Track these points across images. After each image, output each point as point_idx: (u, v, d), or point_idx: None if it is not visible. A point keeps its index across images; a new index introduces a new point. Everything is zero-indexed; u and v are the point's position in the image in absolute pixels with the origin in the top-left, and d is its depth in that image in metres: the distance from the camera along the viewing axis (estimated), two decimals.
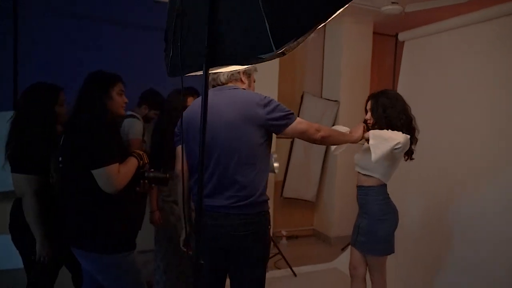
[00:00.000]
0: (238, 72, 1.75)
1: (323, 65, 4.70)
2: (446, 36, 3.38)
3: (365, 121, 2.21)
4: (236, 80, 1.77)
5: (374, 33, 4.52)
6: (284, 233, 4.47)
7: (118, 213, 1.73)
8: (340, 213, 4.40)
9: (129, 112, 3.05)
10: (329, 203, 4.56)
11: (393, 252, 2.17)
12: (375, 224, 2.12)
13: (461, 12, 3.21)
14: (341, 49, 4.39)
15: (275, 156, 3.45)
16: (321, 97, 4.61)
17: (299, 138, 1.74)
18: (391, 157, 2.04)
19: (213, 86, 1.78)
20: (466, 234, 2.83)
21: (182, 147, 1.66)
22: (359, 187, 2.21)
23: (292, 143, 4.39)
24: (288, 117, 1.65)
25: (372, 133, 1.97)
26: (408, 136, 1.94)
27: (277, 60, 4.10)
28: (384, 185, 2.15)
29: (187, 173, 1.75)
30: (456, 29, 3.28)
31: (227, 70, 1.68)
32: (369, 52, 4.48)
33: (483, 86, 2.98)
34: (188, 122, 1.72)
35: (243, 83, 1.80)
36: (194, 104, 1.78)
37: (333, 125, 4.36)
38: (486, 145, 2.85)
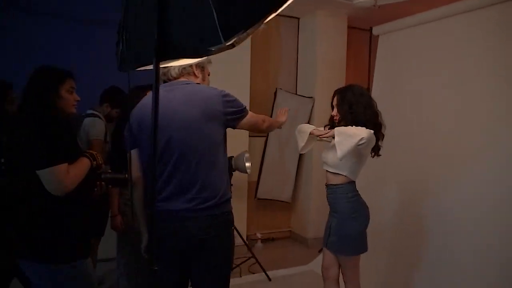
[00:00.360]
0: (191, 65, 1.74)
1: (297, 60, 4.75)
2: (421, 29, 3.47)
3: (331, 117, 2.26)
4: (188, 74, 1.76)
5: (348, 27, 4.59)
6: (259, 236, 4.49)
7: (69, 218, 1.70)
8: (317, 213, 4.43)
9: (90, 111, 3.01)
10: (306, 203, 4.61)
11: (366, 251, 2.22)
12: (345, 222, 2.16)
13: (435, 5, 3.31)
14: (315, 43, 4.44)
15: (247, 155, 3.43)
16: (296, 93, 4.65)
17: (248, 130, 1.86)
18: (357, 153, 2.09)
19: (164, 82, 1.76)
20: (445, 228, 2.92)
21: (129, 151, 1.66)
22: (328, 186, 2.26)
23: (266, 141, 4.41)
24: (243, 111, 1.73)
25: (337, 130, 2.02)
26: (372, 132, 1.99)
27: (248, 56, 4.15)
28: (353, 183, 2.20)
29: (141, 179, 1.73)
30: (431, 23, 3.37)
31: (179, 64, 1.68)
32: (344, 47, 4.55)
33: (458, 80, 3.08)
34: (139, 123, 1.70)
35: (197, 77, 1.80)
36: (143, 103, 1.75)
37: (308, 122, 4.43)
38: (465, 138, 2.94)
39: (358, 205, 2.19)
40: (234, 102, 1.69)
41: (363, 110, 2.12)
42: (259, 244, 4.45)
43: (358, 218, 2.17)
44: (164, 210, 1.65)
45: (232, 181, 3.55)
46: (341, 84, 4.43)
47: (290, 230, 4.87)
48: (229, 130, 1.73)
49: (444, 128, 3.12)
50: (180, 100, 1.63)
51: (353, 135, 1.96)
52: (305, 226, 4.62)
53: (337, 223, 2.20)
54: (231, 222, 1.73)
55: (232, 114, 1.67)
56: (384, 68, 3.90)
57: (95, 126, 2.90)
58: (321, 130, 2.26)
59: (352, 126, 2.06)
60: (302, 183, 4.65)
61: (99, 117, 2.97)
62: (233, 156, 3.47)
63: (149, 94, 1.79)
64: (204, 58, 1.73)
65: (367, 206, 2.23)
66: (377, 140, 2.18)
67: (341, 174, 2.17)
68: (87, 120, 2.95)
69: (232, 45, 0.95)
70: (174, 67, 1.72)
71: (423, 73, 3.41)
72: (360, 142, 1.93)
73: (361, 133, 1.96)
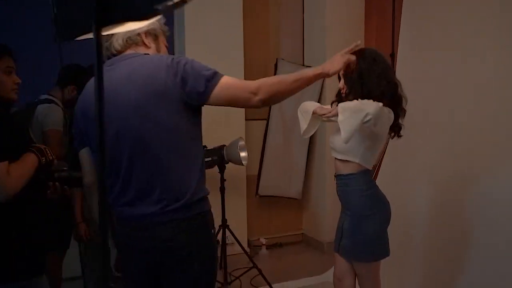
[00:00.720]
0: (138, 34, 1.69)
1: (303, 23, 4.70)
2: None
3: (339, 91, 2.23)
4: (136, 45, 1.71)
5: None
6: (263, 241, 4.50)
7: (15, 227, 1.69)
8: (334, 211, 4.34)
9: (45, 96, 2.99)
10: (320, 199, 4.59)
11: (387, 255, 2.19)
12: (360, 222, 2.14)
13: None
14: (325, 3, 4.38)
15: (241, 143, 3.44)
16: (303, 64, 4.61)
17: (229, 104, 1.64)
18: (369, 134, 2.05)
19: (108, 58, 1.72)
20: (489, 232, 2.88)
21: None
22: (337, 177, 2.23)
23: (267, 125, 4.38)
24: (209, 79, 1.55)
25: (340, 107, 1.98)
26: (380, 105, 1.94)
27: (240, 20, 4.13)
28: (367, 171, 2.17)
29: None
30: None
31: (124, 31, 1.64)
32: (361, 7, 4.48)
33: (498, 49, 3.00)
34: (84, 115, 1.67)
35: (148, 48, 1.74)
36: (86, 88, 1.72)
37: (319, 99, 4.38)
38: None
39: (376, 200, 2.16)
40: (192, 67, 1.56)
41: (377, 80, 2.07)
42: (263, 251, 4.46)
43: (376, 216, 2.13)
44: (128, 216, 1.65)
45: (227, 176, 3.57)
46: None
47: (302, 233, 4.87)
48: (213, 111, 1.64)
49: (487, 105, 3.04)
50: (122, 79, 1.58)
51: (358, 110, 1.91)
52: (319, 227, 4.61)
53: (350, 223, 2.17)
54: (208, 224, 1.71)
55: (193, 83, 1.54)
56: (410, 33, 3.83)
57: (50, 114, 2.87)
58: (327, 108, 2.22)
59: (362, 100, 2.01)
60: (313, 175, 4.63)
61: (56, 103, 2.94)
62: (225, 145, 3.48)
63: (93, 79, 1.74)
64: (156, 23, 1.73)
65: (387, 201, 2.19)
66: (397, 117, 2.13)
67: (352, 162, 2.14)
68: (41, 108, 2.92)
69: (184, 1, 0.92)
70: (117, 37, 1.67)
71: (460, 39, 3.32)
72: (366, 119, 1.89)
73: (366, 107, 1.91)
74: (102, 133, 1.12)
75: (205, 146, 3.61)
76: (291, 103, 3.70)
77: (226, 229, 3.56)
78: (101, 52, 1.09)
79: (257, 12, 4.42)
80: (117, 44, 1.68)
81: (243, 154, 3.43)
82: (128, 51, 1.70)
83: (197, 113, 1.65)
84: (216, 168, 3.55)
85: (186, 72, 1.55)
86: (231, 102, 1.62)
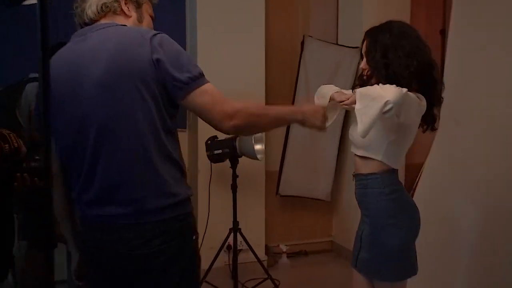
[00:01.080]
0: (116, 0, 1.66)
1: None
2: None
3: (361, 73, 2.17)
4: (114, 13, 1.67)
5: None
6: (284, 248, 4.48)
7: None
8: None
9: (33, 75, 3.02)
10: (353, 203, 4.45)
11: (415, 274, 2.12)
12: (382, 230, 2.08)
13: None
14: None
15: (257, 134, 3.37)
16: (337, 43, 4.58)
17: (198, 114, 1.63)
18: (391, 126, 1.99)
19: (81, 27, 1.69)
20: None
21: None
22: (356, 176, 2.19)
23: None
24: (194, 78, 1.54)
25: (358, 93, 1.91)
26: (404, 91, 1.85)
27: None
28: (392, 171, 2.09)
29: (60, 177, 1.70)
30: None
31: None
32: None
33: None
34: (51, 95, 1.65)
35: (128, 17, 1.70)
36: (52, 65, 1.69)
37: (353, 85, 4.27)
38: None
39: (401, 205, 2.09)
40: (178, 53, 1.56)
41: (405, 59, 1.99)
42: (284, 259, 4.44)
43: (401, 224, 2.06)
44: (92, 216, 1.62)
45: (242, 171, 3.56)
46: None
47: (330, 240, 4.84)
48: (226, 94, 1.59)
49: None
50: (90, 53, 1.56)
51: (377, 97, 1.83)
52: (351, 234, 4.46)
53: (370, 232, 2.13)
54: (191, 229, 1.69)
55: (173, 72, 1.51)
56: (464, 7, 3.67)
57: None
58: (347, 93, 2.13)
59: (384, 84, 1.93)
60: (345, 174, 4.55)
61: None
62: (237, 136, 3.42)
63: (64, 48, 1.69)
64: None
65: (415, 207, 2.13)
66: (431, 105, 2.07)
67: (373, 159, 2.07)
68: (29, 86, 2.98)
69: None
70: (91, 3, 1.64)
71: None
72: (386, 108, 1.80)
73: (386, 93, 1.82)
74: (46, 111, 1.08)
75: (215, 137, 3.59)
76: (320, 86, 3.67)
77: (238, 233, 3.54)
78: (45, 17, 1.05)
79: None
80: (90, 11, 1.65)
81: (258, 146, 3.38)
82: (103, 20, 1.66)
83: (174, 103, 1.61)
84: (228, 163, 3.53)
85: (169, 55, 1.52)
86: (201, 113, 1.60)
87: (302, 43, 4.30)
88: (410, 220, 2.10)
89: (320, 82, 2.35)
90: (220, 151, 3.46)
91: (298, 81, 4.33)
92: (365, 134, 1.86)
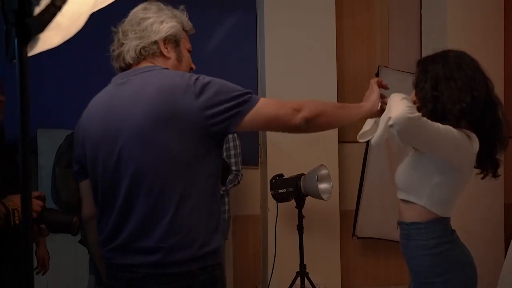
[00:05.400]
0: (155, 41, 1.63)
1: (420, 21, 4.52)
2: None
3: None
4: (153, 55, 1.66)
5: None
6: None
7: None
8: None
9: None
10: None
11: None
12: None
13: None
14: None
15: (322, 172, 3.32)
16: None
17: (269, 130, 1.67)
18: (435, 165, 1.87)
19: (122, 70, 1.70)
20: None
21: None
22: (400, 225, 2.02)
23: (367, 146, 4.14)
24: (242, 102, 1.55)
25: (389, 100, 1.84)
26: (415, 115, 1.72)
27: (332, 19, 4.05)
28: (439, 221, 1.90)
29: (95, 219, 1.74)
30: None
31: (137, 41, 1.63)
32: None
33: None
34: (85, 138, 1.67)
35: (167, 59, 1.69)
36: (89, 106, 1.72)
37: None
38: None
39: (449, 262, 1.88)
40: (219, 91, 1.54)
41: (457, 93, 1.82)
42: None
43: (450, 283, 1.86)
44: (117, 264, 1.62)
45: (313, 210, 3.53)
46: (496, 54, 4.15)
47: None
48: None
49: None
50: (131, 97, 1.58)
51: (388, 109, 1.78)
52: None
53: None
54: (217, 281, 1.65)
55: (218, 114, 1.52)
56: None
57: None
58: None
59: (431, 119, 1.80)
60: None
61: None
62: (303, 174, 3.37)
63: (103, 91, 1.72)
64: (177, 25, 1.68)
65: (471, 264, 1.92)
66: (492, 148, 1.88)
67: (415, 203, 1.91)
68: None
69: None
70: (129, 47, 1.64)
71: None
72: (389, 123, 1.71)
73: (393, 109, 1.71)
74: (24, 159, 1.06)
75: (281, 175, 3.51)
76: None
77: (305, 278, 3.40)
78: (24, 70, 1.03)
79: (356, 8, 4.34)
80: (128, 56, 1.65)
81: (322, 186, 3.30)
82: (144, 64, 1.66)
83: (219, 143, 1.65)
84: (293, 202, 3.43)
85: (209, 92, 1.53)
86: (269, 122, 1.63)
87: (377, 75, 4.15)
88: (460, 279, 1.89)
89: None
90: (284, 190, 3.40)
91: None
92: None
